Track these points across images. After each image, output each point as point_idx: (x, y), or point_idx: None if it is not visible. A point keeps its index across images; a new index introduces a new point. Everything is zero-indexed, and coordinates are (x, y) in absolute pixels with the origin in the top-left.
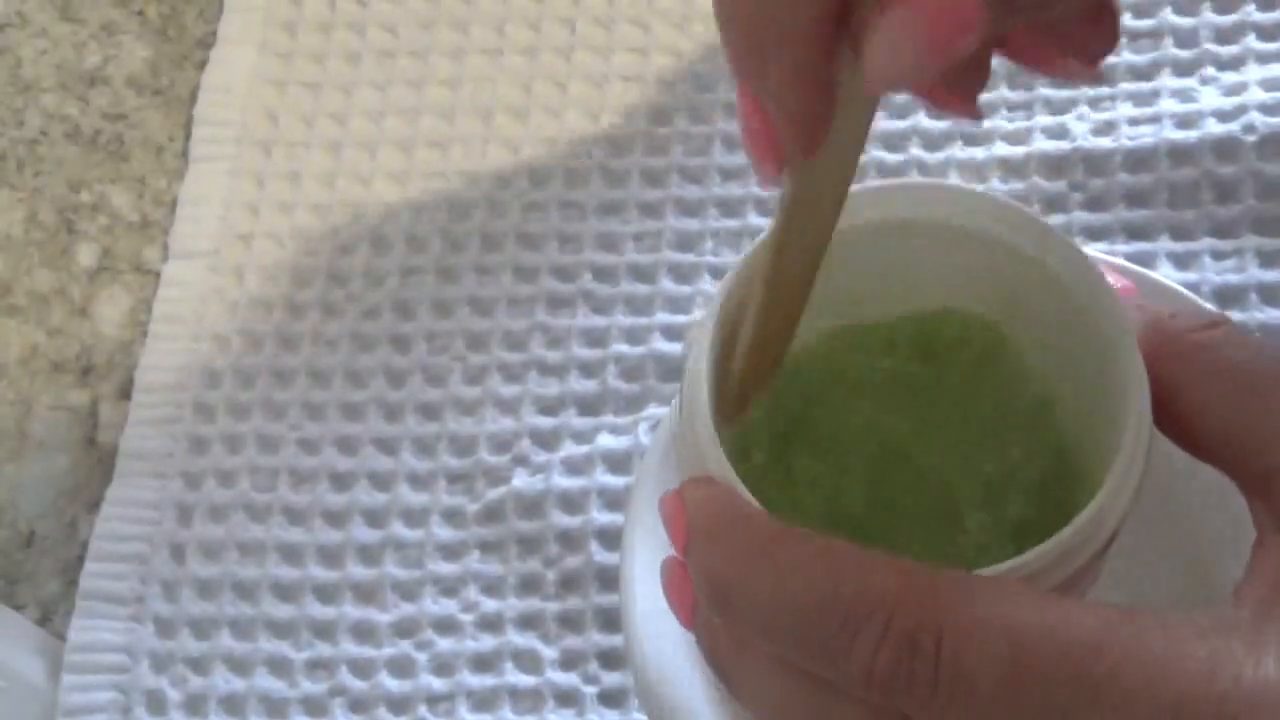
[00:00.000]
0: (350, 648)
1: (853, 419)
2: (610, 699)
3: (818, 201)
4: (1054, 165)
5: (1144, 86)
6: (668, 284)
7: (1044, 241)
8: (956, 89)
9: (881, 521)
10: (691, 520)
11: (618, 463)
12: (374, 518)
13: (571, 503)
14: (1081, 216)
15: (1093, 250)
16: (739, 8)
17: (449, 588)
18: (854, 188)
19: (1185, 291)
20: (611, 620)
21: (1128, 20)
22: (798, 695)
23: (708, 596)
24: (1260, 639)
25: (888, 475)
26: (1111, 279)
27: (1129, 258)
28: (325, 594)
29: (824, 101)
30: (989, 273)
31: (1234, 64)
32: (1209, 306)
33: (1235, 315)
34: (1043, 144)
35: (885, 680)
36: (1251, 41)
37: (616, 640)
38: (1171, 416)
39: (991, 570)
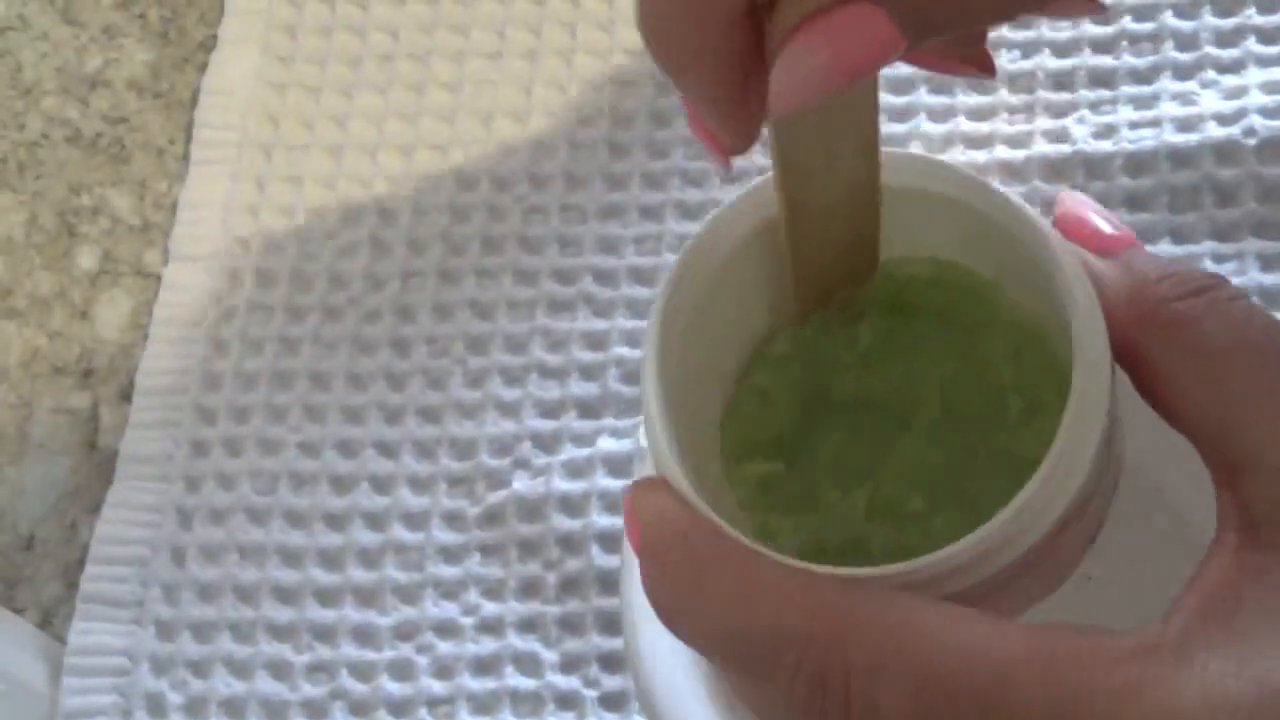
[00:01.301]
0: (351, 651)
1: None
2: (611, 702)
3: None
4: (1054, 168)
5: (1144, 90)
6: None
7: (1007, 209)
8: (956, 54)
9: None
10: (641, 531)
11: (618, 466)
12: (374, 521)
13: (572, 506)
14: None
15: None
16: (656, 25)
17: (449, 591)
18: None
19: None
20: (612, 623)
21: (1128, 23)
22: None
23: (654, 611)
24: (1182, 662)
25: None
26: (1108, 227)
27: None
28: (326, 597)
29: (749, 107)
30: (975, 236)
31: (1234, 67)
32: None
33: None
34: (1043, 147)
35: (804, 713)
36: (1252, 45)
37: (617, 643)
38: (1148, 389)
39: (923, 561)
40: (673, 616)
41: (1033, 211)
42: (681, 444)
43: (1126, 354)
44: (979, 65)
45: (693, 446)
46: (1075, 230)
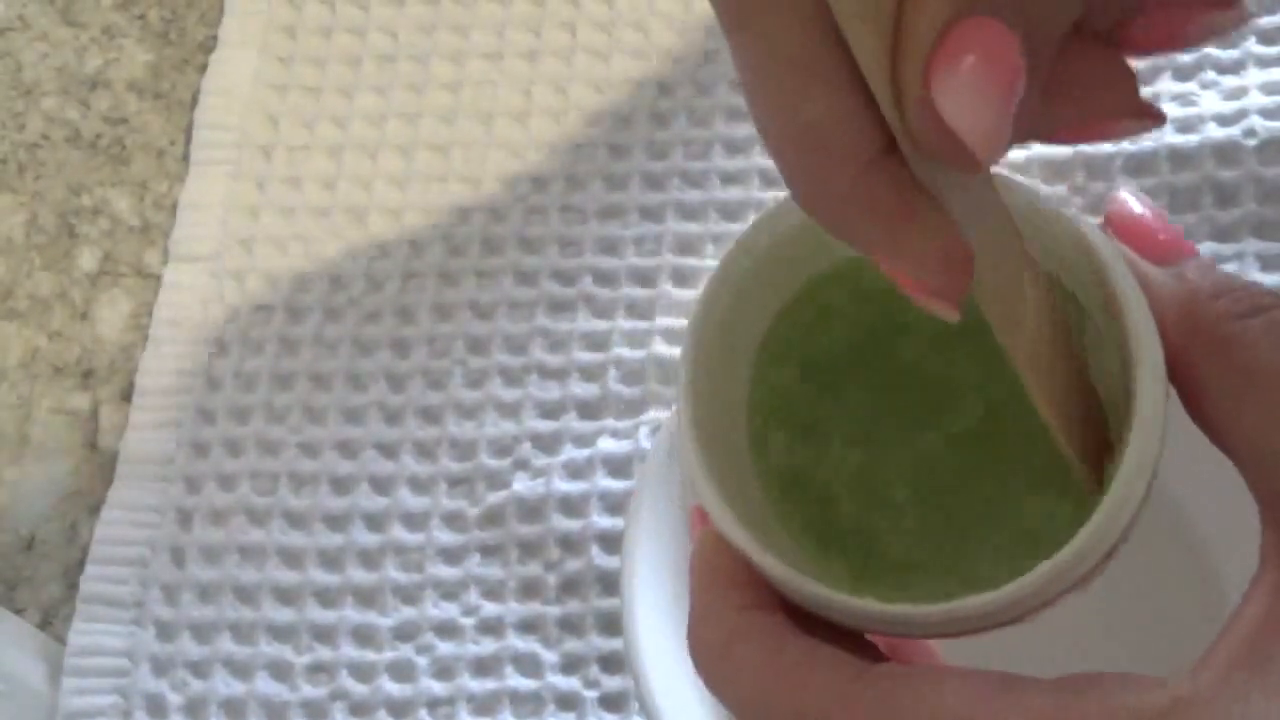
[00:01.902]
0: (351, 651)
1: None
2: (611, 703)
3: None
4: (1055, 169)
5: (1144, 91)
6: (669, 288)
7: (1059, 225)
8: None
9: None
10: (689, 587)
11: (618, 467)
12: (374, 521)
13: (572, 507)
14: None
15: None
16: (809, 201)
17: (449, 591)
18: None
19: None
20: (612, 624)
21: None
22: None
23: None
24: (1219, 712)
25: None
26: (1163, 233)
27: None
28: (326, 598)
29: (945, 231)
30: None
31: (1234, 68)
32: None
33: None
34: (1043, 148)
35: None
36: (1252, 45)
37: (617, 644)
38: (1196, 408)
39: (1002, 592)
40: (708, 682)
41: (1106, 241)
42: (708, 433)
43: (1176, 371)
44: (1136, 112)
45: (717, 431)
46: (1127, 233)
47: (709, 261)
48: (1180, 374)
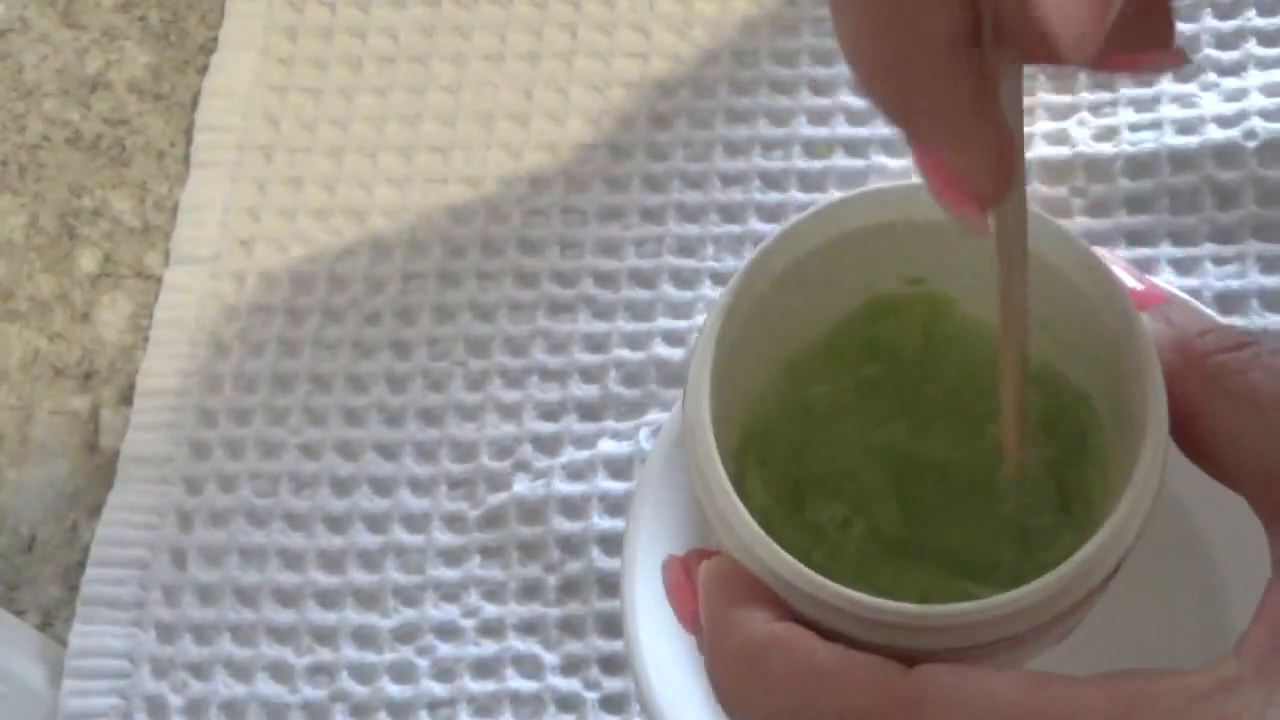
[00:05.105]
0: (351, 653)
1: (864, 433)
2: (611, 704)
3: (1016, 217)
4: (1055, 171)
5: (1145, 92)
6: (669, 289)
7: (1077, 258)
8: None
9: (923, 528)
10: (702, 609)
11: (619, 468)
12: (375, 523)
13: (572, 508)
14: (1082, 222)
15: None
16: (875, 61)
17: (450, 593)
18: (857, 191)
19: (1189, 299)
20: (613, 625)
21: None
22: None
23: (715, 693)
24: (1266, 692)
25: (915, 480)
26: (1141, 286)
27: (1130, 263)
28: (326, 599)
29: (1005, 133)
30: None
31: (1235, 69)
32: (1209, 313)
33: (1236, 321)
34: (1044, 150)
35: None
36: (1252, 47)
37: (618, 645)
38: (1193, 440)
39: (979, 605)
40: (735, 705)
41: (1115, 274)
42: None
43: (1173, 406)
44: (1161, 42)
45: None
46: None
47: (709, 263)
48: (1177, 407)
